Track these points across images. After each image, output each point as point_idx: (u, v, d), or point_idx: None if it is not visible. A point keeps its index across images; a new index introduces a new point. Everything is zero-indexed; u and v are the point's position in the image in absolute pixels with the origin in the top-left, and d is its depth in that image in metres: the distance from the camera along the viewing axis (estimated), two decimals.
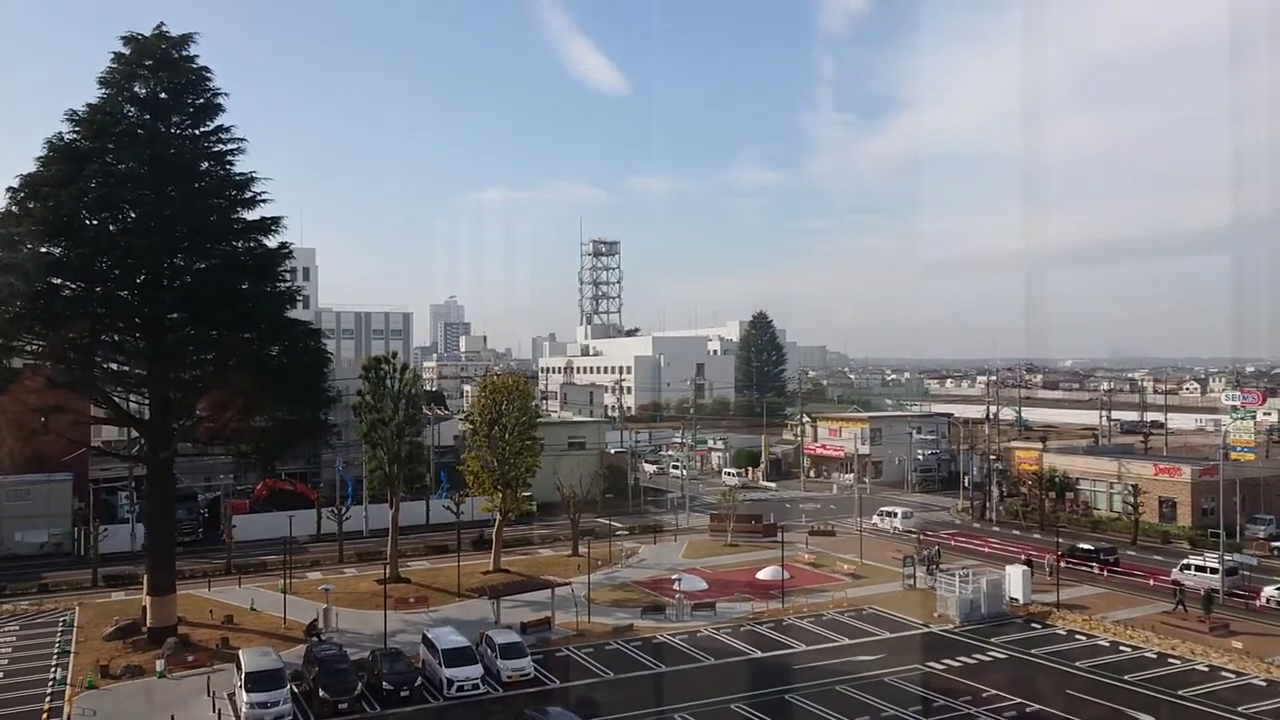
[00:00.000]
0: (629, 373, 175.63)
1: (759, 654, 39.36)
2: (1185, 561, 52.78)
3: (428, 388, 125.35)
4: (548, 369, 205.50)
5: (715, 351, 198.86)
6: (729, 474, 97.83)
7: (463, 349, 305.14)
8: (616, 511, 72.45)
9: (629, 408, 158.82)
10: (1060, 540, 55.00)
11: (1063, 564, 53.16)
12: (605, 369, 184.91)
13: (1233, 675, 36.20)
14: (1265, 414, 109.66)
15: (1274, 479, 70.22)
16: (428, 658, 36.29)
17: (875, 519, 70.78)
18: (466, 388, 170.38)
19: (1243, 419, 63.20)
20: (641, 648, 40.35)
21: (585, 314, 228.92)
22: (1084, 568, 54.34)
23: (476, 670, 34.74)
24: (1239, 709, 32.22)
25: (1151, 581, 51.99)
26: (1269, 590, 47.73)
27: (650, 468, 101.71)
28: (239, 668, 33.27)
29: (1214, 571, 49.66)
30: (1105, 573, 54.00)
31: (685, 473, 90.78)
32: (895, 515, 69.96)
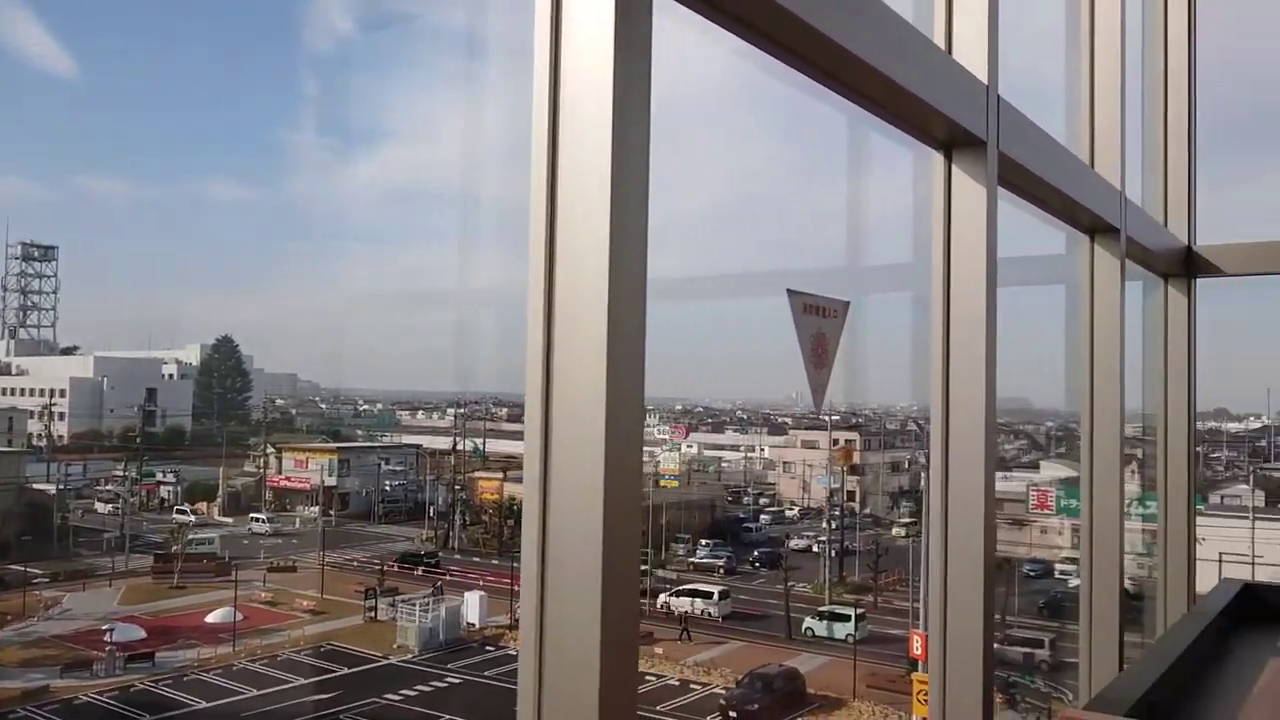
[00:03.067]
0: (63, 396, 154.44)
1: (202, 704, 36.50)
2: None
3: None
4: None
5: (171, 376, 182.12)
6: (256, 519, 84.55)
7: None
8: (37, 556, 63.25)
9: (61, 436, 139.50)
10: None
11: (396, 568, 60.88)
12: (32, 391, 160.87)
13: (654, 678, 40.89)
14: (688, 447, 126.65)
15: (694, 503, 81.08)
16: None
17: None
18: None
19: (670, 450, 72.30)
20: (59, 711, 35.46)
21: (9, 326, 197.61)
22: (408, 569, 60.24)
23: None
24: (658, 707, 36.53)
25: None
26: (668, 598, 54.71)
27: (104, 507, 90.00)
28: None
29: None
30: (425, 573, 59.77)
31: (189, 517, 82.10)
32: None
